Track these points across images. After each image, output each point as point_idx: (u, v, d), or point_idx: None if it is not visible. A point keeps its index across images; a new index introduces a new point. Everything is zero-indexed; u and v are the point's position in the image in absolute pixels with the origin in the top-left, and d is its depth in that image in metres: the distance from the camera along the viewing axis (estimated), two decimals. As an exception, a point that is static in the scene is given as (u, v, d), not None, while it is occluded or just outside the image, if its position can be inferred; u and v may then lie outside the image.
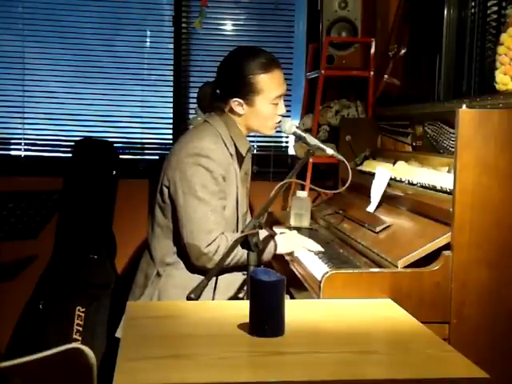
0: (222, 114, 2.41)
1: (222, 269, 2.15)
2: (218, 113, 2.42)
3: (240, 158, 2.44)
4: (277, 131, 2.48)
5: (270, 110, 2.37)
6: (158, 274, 2.36)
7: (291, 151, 3.88)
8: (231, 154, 2.39)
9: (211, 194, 2.29)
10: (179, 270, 2.34)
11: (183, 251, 2.31)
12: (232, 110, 2.38)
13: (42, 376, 1.68)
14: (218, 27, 3.88)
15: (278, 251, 2.41)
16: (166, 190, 2.36)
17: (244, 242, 1.95)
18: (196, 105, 3.46)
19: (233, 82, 2.36)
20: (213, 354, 1.49)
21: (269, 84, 2.34)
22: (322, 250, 2.46)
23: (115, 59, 3.83)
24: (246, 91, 2.34)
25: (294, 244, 2.47)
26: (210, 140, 2.34)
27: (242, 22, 3.92)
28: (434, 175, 2.39)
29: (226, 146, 2.37)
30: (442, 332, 1.95)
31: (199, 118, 3.34)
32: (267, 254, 2.37)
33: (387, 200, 2.60)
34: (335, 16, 3.49)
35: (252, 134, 2.52)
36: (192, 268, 2.31)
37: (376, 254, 2.23)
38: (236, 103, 2.36)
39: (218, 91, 2.41)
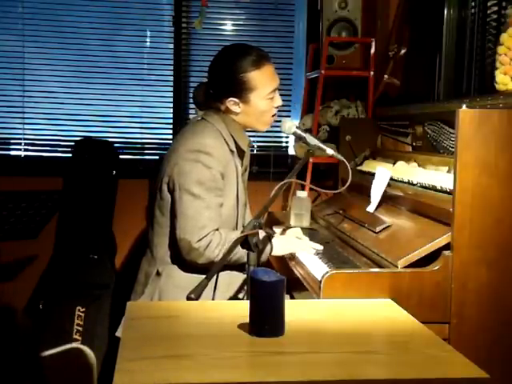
0: (218, 112, 2.40)
1: (221, 267, 2.14)
2: (214, 111, 2.42)
3: (241, 154, 2.43)
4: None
5: (265, 104, 2.36)
6: (158, 273, 2.36)
7: (291, 151, 3.87)
8: (232, 151, 2.38)
9: (207, 191, 2.28)
10: (180, 270, 2.34)
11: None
12: (228, 110, 2.38)
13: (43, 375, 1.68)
14: (218, 27, 3.88)
15: (274, 253, 2.41)
16: (165, 187, 2.36)
17: (244, 242, 1.95)
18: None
19: (225, 82, 2.35)
20: (213, 354, 1.49)
21: (261, 80, 2.33)
22: (321, 247, 2.46)
23: (115, 59, 3.83)
24: (240, 90, 2.33)
25: (292, 246, 2.47)
26: (211, 137, 2.34)
27: (242, 22, 3.92)
28: (434, 175, 2.39)
29: (226, 142, 2.37)
30: (442, 332, 1.95)
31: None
32: (263, 256, 2.37)
33: (387, 200, 2.59)
34: (335, 16, 3.50)
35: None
36: (191, 266, 2.31)
37: (376, 254, 2.23)
38: (231, 103, 2.36)
39: (211, 91, 2.41)
